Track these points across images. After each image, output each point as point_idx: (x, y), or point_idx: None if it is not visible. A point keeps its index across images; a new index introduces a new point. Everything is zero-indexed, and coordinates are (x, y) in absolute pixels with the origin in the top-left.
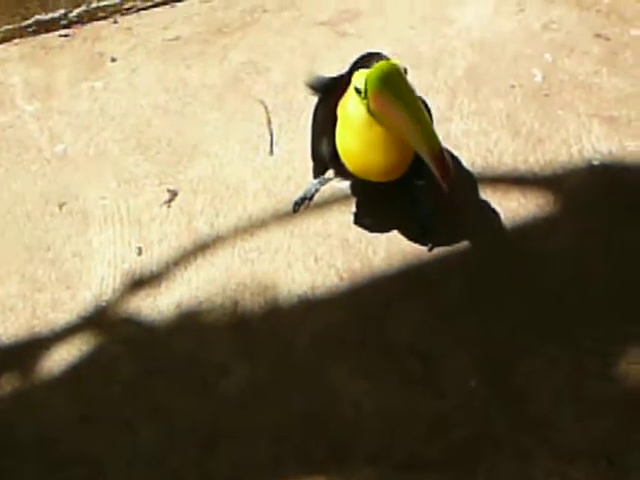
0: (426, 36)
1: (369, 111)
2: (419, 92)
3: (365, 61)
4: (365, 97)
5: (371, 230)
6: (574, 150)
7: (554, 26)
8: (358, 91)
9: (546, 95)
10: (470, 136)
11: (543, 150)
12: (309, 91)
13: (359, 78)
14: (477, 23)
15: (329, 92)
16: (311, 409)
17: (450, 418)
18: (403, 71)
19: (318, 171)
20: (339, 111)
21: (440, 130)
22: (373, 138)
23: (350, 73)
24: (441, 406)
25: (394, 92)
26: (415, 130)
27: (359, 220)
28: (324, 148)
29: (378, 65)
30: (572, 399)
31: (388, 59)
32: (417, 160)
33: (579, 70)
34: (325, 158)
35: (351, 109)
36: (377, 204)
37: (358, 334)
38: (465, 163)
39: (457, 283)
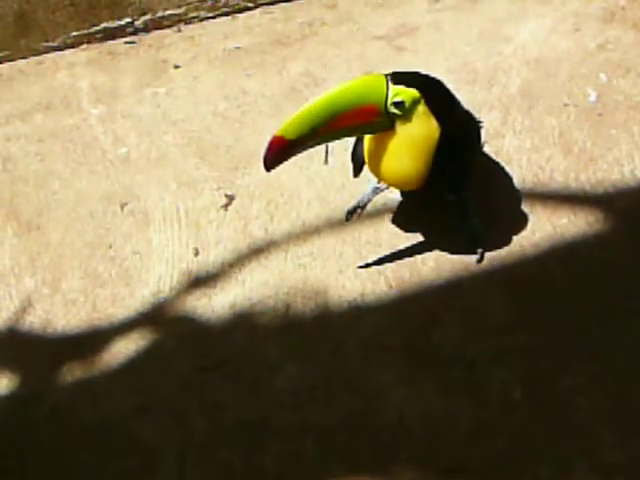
0: (482, 53)
1: None
2: (473, 108)
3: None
4: None
5: (421, 240)
6: (626, 170)
7: (610, 46)
8: None
9: (600, 115)
10: (522, 152)
11: (595, 169)
12: None
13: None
14: (533, 41)
15: None
16: (357, 411)
17: (492, 427)
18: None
19: (356, 171)
20: None
21: (493, 146)
22: (385, 145)
23: None
24: (484, 415)
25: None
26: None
27: (409, 230)
28: (359, 150)
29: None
30: (614, 416)
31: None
32: (441, 174)
33: (634, 91)
34: (360, 160)
35: None
36: (427, 215)
37: (404, 341)
38: (516, 179)
39: (504, 295)
